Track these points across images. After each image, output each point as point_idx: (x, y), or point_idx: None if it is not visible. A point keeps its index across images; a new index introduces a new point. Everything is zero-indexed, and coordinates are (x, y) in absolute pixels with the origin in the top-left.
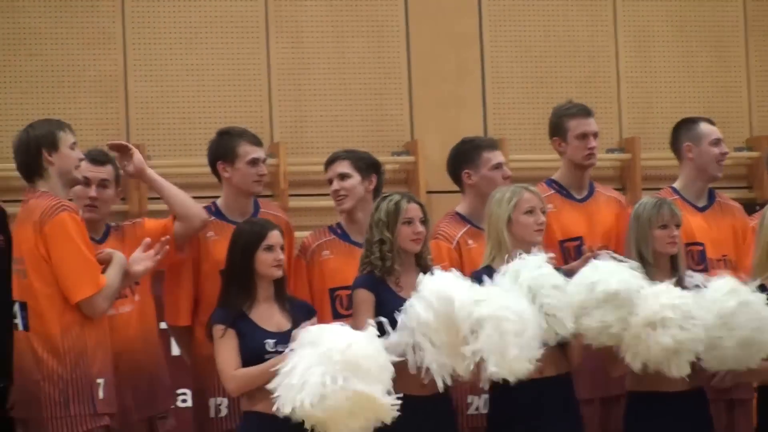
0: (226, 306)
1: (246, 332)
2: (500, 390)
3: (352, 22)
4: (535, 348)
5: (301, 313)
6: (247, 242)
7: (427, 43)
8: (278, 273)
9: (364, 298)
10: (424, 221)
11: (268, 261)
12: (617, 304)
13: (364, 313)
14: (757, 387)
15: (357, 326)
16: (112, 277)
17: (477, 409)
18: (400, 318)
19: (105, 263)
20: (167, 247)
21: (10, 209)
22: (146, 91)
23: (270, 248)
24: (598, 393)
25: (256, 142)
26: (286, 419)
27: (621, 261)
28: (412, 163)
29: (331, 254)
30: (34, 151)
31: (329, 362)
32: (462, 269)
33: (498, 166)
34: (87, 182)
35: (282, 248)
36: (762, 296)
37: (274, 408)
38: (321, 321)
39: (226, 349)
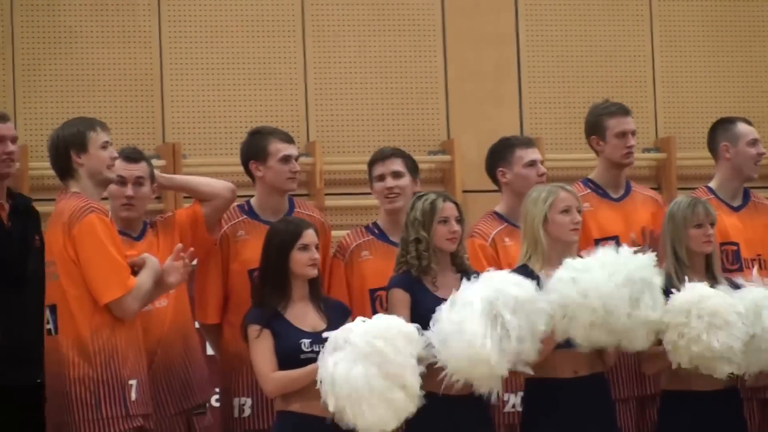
0: (260, 306)
1: (281, 332)
2: (534, 389)
3: (388, 21)
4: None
5: (336, 312)
6: (282, 241)
7: (464, 41)
8: (313, 272)
9: (400, 297)
10: (460, 220)
11: (303, 260)
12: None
13: (399, 313)
14: None
15: None
16: (143, 279)
17: (513, 406)
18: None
19: (138, 267)
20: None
21: (47, 208)
22: (182, 90)
23: (305, 247)
24: (634, 392)
25: (288, 139)
26: (321, 419)
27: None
28: (449, 162)
29: (370, 255)
30: (63, 152)
31: (358, 354)
32: (499, 267)
33: (532, 164)
34: (122, 181)
35: (317, 247)
36: None
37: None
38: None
39: (263, 349)
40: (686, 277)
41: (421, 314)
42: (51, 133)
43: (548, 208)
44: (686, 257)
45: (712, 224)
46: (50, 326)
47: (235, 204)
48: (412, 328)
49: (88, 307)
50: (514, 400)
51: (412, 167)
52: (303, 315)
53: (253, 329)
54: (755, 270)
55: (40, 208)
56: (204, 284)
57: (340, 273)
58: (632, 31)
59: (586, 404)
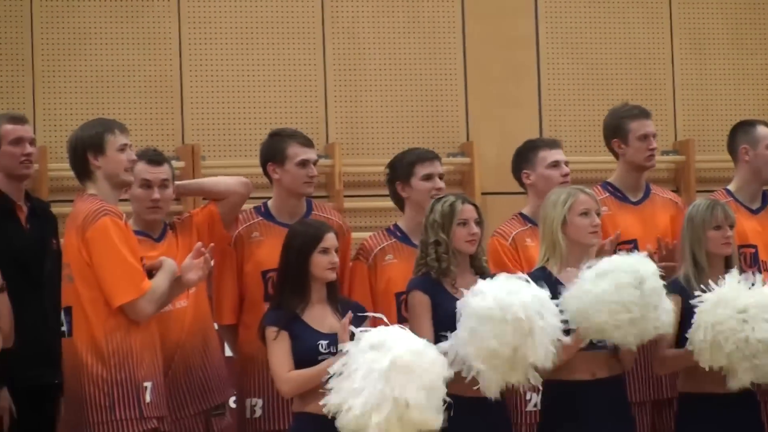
0: (279, 308)
1: (299, 334)
2: (552, 391)
3: (408, 23)
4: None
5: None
6: (303, 244)
7: (483, 43)
8: (332, 276)
9: (420, 300)
10: (479, 222)
11: (323, 264)
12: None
13: (420, 316)
14: None
15: (414, 329)
16: (158, 281)
17: (535, 405)
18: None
19: (156, 270)
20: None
21: (66, 210)
22: (201, 92)
23: (325, 251)
24: (649, 396)
25: (307, 143)
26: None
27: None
28: (468, 164)
29: (394, 258)
30: (81, 154)
31: (390, 374)
32: (520, 267)
33: (555, 165)
34: (148, 184)
35: (336, 251)
36: None
37: (324, 408)
38: (386, 325)
39: (280, 351)
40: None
41: (441, 316)
42: (70, 135)
43: (567, 211)
44: (705, 260)
45: (731, 226)
46: (65, 328)
47: (251, 206)
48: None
49: (102, 309)
50: (536, 399)
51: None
52: (321, 317)
53: (271, 331)
54: None
55: (59, 209)
56: (220, 285)
57: (364, 276)
58: (652, 34)
59: (604, 406)
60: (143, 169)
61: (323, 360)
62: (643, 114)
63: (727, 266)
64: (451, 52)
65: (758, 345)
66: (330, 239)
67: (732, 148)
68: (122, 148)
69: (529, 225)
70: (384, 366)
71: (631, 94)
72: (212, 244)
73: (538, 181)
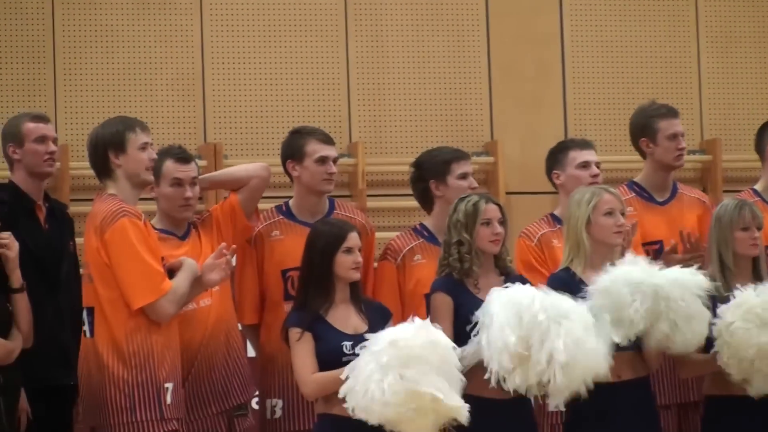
0: (302, 308)
1: (323, 335)
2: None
3: (431, 21)
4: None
5: (377, 314)
6: (326, 244)
7: (508, 41)
8: (356, 276)
9: (443, 301)
10: (503, 222)
11: (347, 263)
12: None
13: (442, 318)
14: None
15: None
16: (178, 281)
17: (557, 406)
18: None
19: (176, 270)
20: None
21: (87, 208)
22: (224, 90)
23: (349, 250)
24: (675, 399)
25: (326, 140)
26: (361, 422)
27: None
28: (492, 163)
29: (422, 258)
30: (102, 152)
31: (385, 364)
32: (547, 268)
33: (584, 165)
34: (179, 182)
35: (359, 250)
36: None
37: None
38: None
39: (303, 352)
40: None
41: (464, 317)
42: (90, 132)
43: (591, 210)
44: (732, 261)
45: (759, 227)
46: (86, 328)
47: (273, 205)
48: (444, 337)
49: (122, 310)
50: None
51: None
52: (344, 318)
53: (295, 332)
54: None
55: (80, 208)
56: (241, 284)
57: (392, 276)
58: (678, 31)
59: (630, 409)
60: (172, 167)
61: (347, 361)
62: (672, 113)
63: (754, 267)
64: (475, 50)
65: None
66: (353, 238)
67: (759, 147)
68: (143, 147)
69: (558, 226)
70: (379, 359)
71: (657, 92)
72: (234, 246)
73: (567, 182)
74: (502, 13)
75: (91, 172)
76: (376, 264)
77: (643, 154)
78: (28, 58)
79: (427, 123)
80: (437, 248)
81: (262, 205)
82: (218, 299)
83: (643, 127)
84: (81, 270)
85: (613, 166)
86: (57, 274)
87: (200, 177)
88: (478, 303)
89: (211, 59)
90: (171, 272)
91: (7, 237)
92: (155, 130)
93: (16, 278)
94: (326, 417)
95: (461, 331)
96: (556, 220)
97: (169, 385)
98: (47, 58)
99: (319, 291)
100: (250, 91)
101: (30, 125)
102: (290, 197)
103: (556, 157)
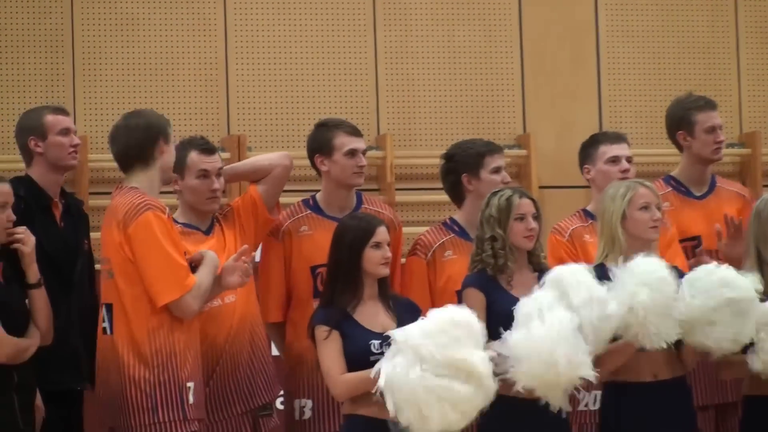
0: (330, 305)
1: (350, 333)
2: (612, 393)
3: (462, 10)
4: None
5: (407, 311)
6: (354, 239)
7: (541, 32)
8: (385, 271)
9: (475, 297)
10: (537, 217)
11: (376, 258)
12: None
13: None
14: None
15: None
16: (202, 276)
17: (587, 405)
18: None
19: (197, 263)
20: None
21: (106, 202)
22: (248, 81)
23: (378, 245)
24: (714, 400)
25: (355, 132)
26: (386, 422)
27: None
28: (525, 157)
29: (453, 254)
30: (154, 135)
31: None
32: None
33: (614, 160)
34: (205, 174)
35: (388, 245)
36: None
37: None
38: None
39: (331, 351)
40: None
41: (497, 314)
42: (125, 118)
43: (627, 205)
44: None
45: None
46: (105, 325)
47: (300, 199)
48: (471, 316)
49: (144, 307)
50: (588, 399)
51: None
52: (373, 315)
53: (322, 330)
54: None
55: (99, 201)
56: (266, 281)
57: (422, 272)
58: (716, 20)
59: (666, 409)
60: (198, 159)
61: (375, 360)
62: (710, 105)
63: None
64: (507, 41)
65: None
66: (382, 233)
67: None
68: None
69: (590, 221)
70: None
71: (694, 84)
72: (254, 253)
73: (597, 177)
74: (535, 1)
75: (111, 164)
76: (403, 260)
77: (680, 148)
78: (46, 49)
79: (457, 115)
80: (468, 243)
81: (284, 200)
82: (243, 295)
83: (680, 120)
84: (96, 267)
85: (649, 159)
86: (70, 274)
87: (225, 168)
88: (511, 300)
89: (234, 49)
90: (191, 266)
91: (23, 231)
92: (178, 122)
93: (33, 273)
94: (354, 418)
95: (493, 329)
96: (588, 215)
97: (191, 385)
98: (66, 48)
99: (347, 287)
100: (275, 82)
101: (52, 117)
102: (312, 191)
103: (587, 152)
